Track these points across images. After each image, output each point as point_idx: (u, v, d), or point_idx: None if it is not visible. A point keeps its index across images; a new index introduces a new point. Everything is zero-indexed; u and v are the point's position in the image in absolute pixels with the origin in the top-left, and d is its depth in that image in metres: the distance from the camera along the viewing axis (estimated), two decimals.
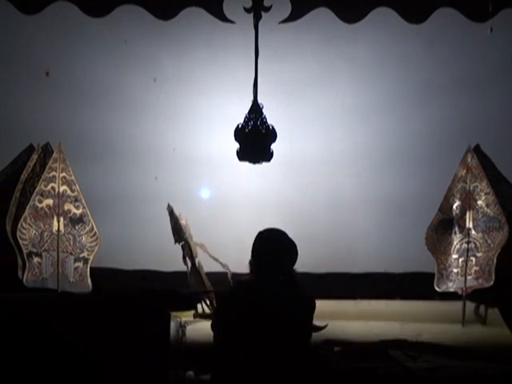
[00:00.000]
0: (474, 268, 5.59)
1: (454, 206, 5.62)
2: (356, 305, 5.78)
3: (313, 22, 5.47)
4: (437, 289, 5.67)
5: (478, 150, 5.69)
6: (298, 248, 3.67)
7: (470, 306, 5.61)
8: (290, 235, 3.73)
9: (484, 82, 5.88)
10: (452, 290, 5.63)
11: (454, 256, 5.64)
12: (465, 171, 5.61)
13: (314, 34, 5.76)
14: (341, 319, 5.27)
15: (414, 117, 5.99)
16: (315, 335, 3.76)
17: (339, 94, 6.00)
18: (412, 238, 5.75)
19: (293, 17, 5.33)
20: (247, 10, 4.86)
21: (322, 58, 5.96)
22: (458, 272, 5.62)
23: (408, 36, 5.78)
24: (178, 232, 5.53)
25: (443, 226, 5.65)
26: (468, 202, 5.59)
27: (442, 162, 5.86)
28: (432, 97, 5.96)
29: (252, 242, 3.72)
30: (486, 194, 5.57)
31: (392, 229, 6.00)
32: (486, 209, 5.57)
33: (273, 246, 3.69)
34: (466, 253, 5.57)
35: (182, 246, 5.53)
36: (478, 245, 5.58)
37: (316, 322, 3.79)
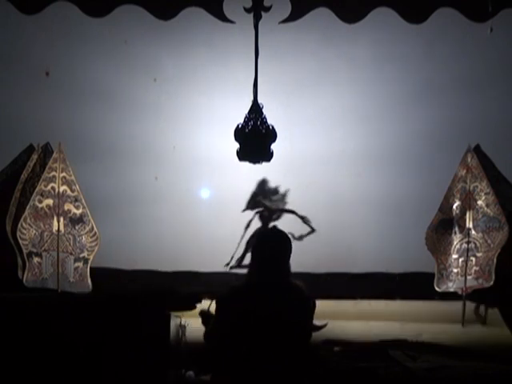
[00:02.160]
0: (474, 268, 5.59)
1: (454, 206, 5.62)
2: (356, 305, 5.77)
3: (313, 22, 5.46)
4: (437, 289, 5.67)
5: (478, 150, 5.69)
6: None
7: (470, 305, 5.61)
8: (290, 235, 3.73)
9: (484, 82, 5.87)
10: (452, 289, 5.63)
11: (454, 256, 5.64)
12: (465, 171, 5.61)
13: (314, 33, 5.76)
14: (341, 319, 5.27)
15: (414, 117, 5.98)
16: (315, 335, 3.76)
17: (339, 94, 5.99)
18: (412, 238, 5.75)
19: (293, 17, 5.33)
20: (247, 10, 4.87)
21: (321, 58, 5.95)
22: (458, 272, 5.62)
23: (408, 36, 5.77)
24: None
25: (443, 226, 5.65)
26: (468, 202, 5.59)
27: (442, 162, 5.85)
28: (432, 97, 5.94)
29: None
30: (486, 194, 5.57)
31: (392, 229, 5.98)
32: (486, 209, 5.57)
33: (273, 246, 3.69)
34: (466, 253, 5.57)
35: None
36: (478, 245, 5.58)
37: (316, 322, 3.79)
